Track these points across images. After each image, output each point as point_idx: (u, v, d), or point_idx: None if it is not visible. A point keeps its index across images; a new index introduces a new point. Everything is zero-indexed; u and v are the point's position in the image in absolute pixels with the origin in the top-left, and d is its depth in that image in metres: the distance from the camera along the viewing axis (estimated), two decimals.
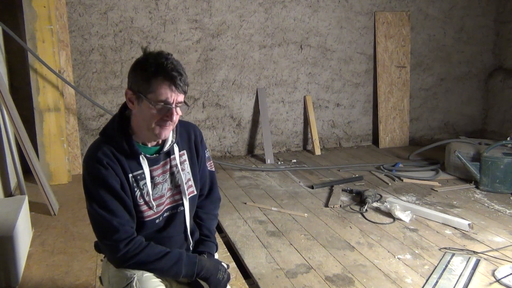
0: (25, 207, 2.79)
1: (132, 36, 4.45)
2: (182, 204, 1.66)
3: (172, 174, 1.64)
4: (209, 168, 1.80)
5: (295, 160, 4.82)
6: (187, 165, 1.68)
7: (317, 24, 5.04)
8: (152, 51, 1.50)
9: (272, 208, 3.45)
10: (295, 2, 4.91)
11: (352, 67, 5.27)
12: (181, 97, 1.49)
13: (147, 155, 1.56)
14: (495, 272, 2.47)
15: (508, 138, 4.01)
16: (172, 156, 1.63)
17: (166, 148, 1.60)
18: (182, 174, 1.64)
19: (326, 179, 4.17)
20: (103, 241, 1.52)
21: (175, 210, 1.66)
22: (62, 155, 4.00)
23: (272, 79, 5.02)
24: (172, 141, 1.62)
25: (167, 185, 1.63)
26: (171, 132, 1.61)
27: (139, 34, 4.47)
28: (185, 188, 1.65)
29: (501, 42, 5.70)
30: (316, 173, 4.36)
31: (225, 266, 1.67)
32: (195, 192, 1.71)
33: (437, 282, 2.39)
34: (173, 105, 1.47)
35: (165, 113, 1.48)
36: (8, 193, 3.45)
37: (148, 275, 1.54)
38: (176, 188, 1.65)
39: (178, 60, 1.50)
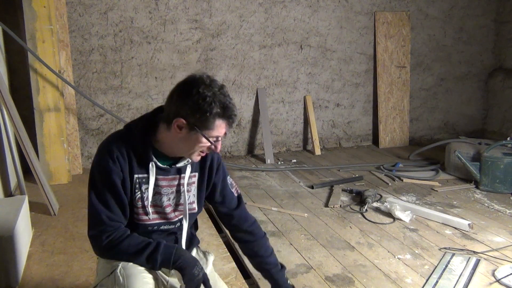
0: (25, 207, 2.79)
1: (132, 36, 4.45)
2: (179, 221, 1.67)
3: (177, 192, 1.64)
4: (235, 194, 1.80)
5: (295, 160, 4.82)
6: (194, 187, 1.68)
7: (317, 24, 5.04)
8: (205, 80, 1.46)
9: (272, 208, 3.45)
10: (295, 2, 4.91)
11: (352, 67, 5.27)
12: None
13: (158, 163, 1.56)
14: (495, 272, 2.47)
15: (508, 138, 4.01)
16: (182, 175, 1.63)
17: (179, 164, 1.61)
18: (186, 195, 1.65)
19: (326, 179, 4.17)
20: (90, 231, 1.54)
21: (172, 225, 1.67)
22: (62, 155, 4.00)
23: (272, 79, 5.02)
24: (188, 161, 1.62)
25: (166, 200, 1.62)
26: None
27: (139, 34, 4.47)
28: (187, 209, 1.66)
29: (501, 42, 5.70)
30: (316, 173, 4.36)
31: (201, 267, 1.59)
32: (196, 210, 1.72)
33: (437, 282, 2.39)
34: (220, 138, 1.52)
35: (213, 146, 1.52)
36: (8, 193, 3.45)
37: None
38: (176, 206, 1.66)
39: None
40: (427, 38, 5.50)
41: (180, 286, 1.57)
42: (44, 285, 2.37)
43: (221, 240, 2.89)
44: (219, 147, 1.53)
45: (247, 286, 2.37)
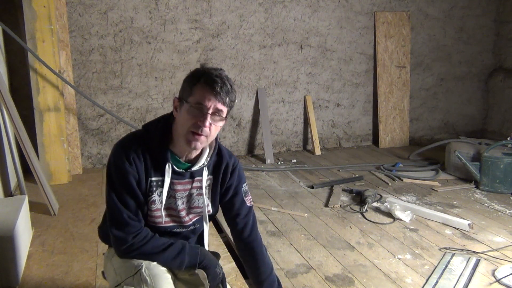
0: (25, 207, 2.79)
1: (132, 36, 4.45)
2: (193, 224, 1.68)
3: (190, 195, 1.65)
4: (247, 204, 1.77)
5: (295, 160, 4.82)
6: (208, 189, 1.69)
7: (317, 24, 5.04)
8: (203, 66, 1.55)
9: (272, 208, 3.45)
10: (295, 2, 4.91)
11: (352, 67, 5.27)
12: (220, 106, 1.49)
13: (174, 167, 1.57)
14: (495, 272, 2.47)
15: (508, 138, 4.01)
16: (196, 178, 1.62)
17: (195, 168, 1.60)
18: (204, 198, 1.66)
19: (326, 179, 4.17)
20: (113, 231, 1.54)
21: (185, 229, 1.68)
22: (62, 155, 4.00)
23: (272, 79, 5.02)
24: (203, 164, 1.62)
25: (181, 203, 1.63)
26: (205, 155, 1.61)
27: (139, 34, 4.47)
28: (206, 211, 1.67)
29: (501, 42, 5.70)
30: (316, 173, 4.36)
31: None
32: (211, 212, 1.72)
33: (437, 282, 2.39)
34: (209, 111, 1.47)
35: (199, 116, 1.47)
36: (8, 193, 3.45)
37: (155, 263, 1.57)
38: (190, 209, 1.66)
39: (230, 77, 1.53)
40: (427, 38, 5.50)
41: (205, 286, 1.60)
42: (44, 285, 2.37)
43: (221, 240, 2.89)
44: (206, 121, 1.47)
45: (247, 286, 2.37)
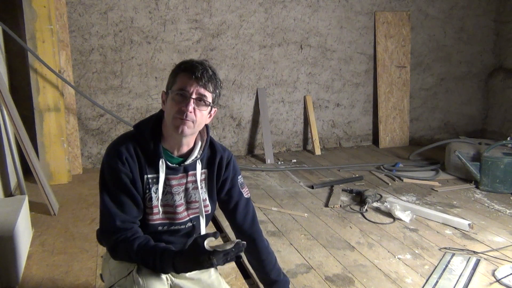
0: (25, 207, 2.79)
1: (132, 36, 4.45)
2: (190, 221, 1.67)
3: (186, 190, 1.64)
4: (245, 196, 1.77)
5: (295, 160, 4.82)
6: (204, 184, 1.69)
7: (317, 24, 5.04)
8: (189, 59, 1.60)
9: (272, 208, 3.45)
10: (295, 2, 4.91)
11: (352, 67, 5.27)
12: (203, 91, 1.51)
13: (167, 162, 1.57)
14: (495, 272, 2.47)
15: (508, 138, 4.01)
16: (190, 172, 1.63)
17: (188, 161, 1.60)
18: (200, 191, 1.65)
19: (326, 179, 4.17)
20: (102, 227, 1.56)
21: (183, 226, 1.67)
22: (62, 155, 4.00)
23: (272, 79, 5.02)
24: (196, 157, 1.62)
25: (179, 199, 1.63)
26: (197, 148, 1.62)
27: (139, 34, 4.47)
28: (202, 206, 1.66)
29: (501, 42, 5.70)
30: (316, 173, 4.36)
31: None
32: (210, 211, 1.72)
33: (437, 282, 2.39)
34: (192, 96, 1.49)
35: (183, 102, 1.49)
36: (8, 193, 3.45)
37: None
38: (188, 204, 1.66)
39: (213, 67, 1.56)
40: (427, 38, 5.50)
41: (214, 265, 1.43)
42: (44, 285, 2.37)
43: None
44: (189, 105, 1.48)
45: (247, 286, 2.37)
